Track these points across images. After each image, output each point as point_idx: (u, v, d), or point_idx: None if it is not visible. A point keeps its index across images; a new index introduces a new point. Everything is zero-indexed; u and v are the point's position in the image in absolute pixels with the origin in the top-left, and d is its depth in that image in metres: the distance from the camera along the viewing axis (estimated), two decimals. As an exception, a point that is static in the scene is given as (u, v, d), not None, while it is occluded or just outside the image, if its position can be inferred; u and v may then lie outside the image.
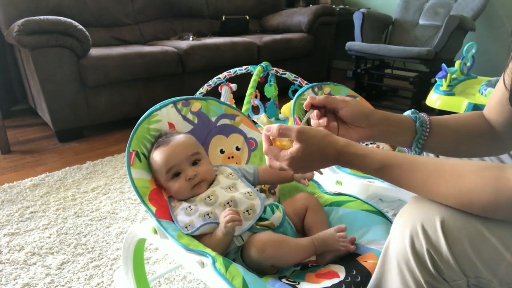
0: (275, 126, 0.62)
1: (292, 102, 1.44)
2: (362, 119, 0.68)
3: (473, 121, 0.75)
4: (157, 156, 0.87)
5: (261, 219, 0.82)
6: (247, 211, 0.81)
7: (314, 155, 0.61)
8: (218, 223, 0.79)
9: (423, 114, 0.73)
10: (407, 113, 0.74)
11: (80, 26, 2.14)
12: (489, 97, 0.75)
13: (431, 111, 2.05)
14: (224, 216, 0.76)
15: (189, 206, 0.83)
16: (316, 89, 1.50)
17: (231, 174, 0.90)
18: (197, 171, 0.86)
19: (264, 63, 1.85)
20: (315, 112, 0.69)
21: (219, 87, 1.94)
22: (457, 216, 0.52)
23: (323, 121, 0.69)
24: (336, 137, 0.62)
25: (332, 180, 1.18)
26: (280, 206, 0.85)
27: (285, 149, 0.63)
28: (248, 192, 0.85)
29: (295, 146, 0.61)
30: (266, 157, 0.65)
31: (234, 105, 1.19)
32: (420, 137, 0.70)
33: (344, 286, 0.66)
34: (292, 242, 0.77)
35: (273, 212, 0.83)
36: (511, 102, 0.62)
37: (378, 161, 0.58)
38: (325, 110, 0.71)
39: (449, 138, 0.72)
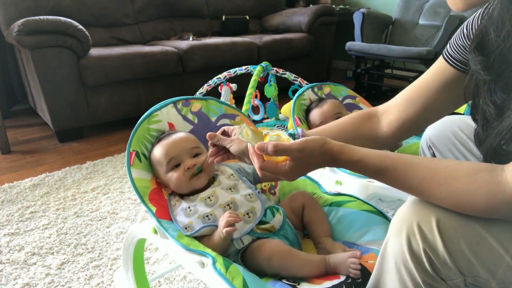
0: (269, 146, 0.60)
1: (292, 102, 1.45)
2: (243, 155, 0.74)
3: (356, 126, 0.80)
4: (158, 149, 0.88)
5: (261, 222, 0.81)
6: (248, 213, 0.81)
7: (312, 166, 0.63)
8: (217, 226, 0.78)
9: (300, 132, 0.79)
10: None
11: (80, 26, 2.14)
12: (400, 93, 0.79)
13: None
14: (222, 220, 0.75)
15: (189, 207, 0.83)
16: (316, 89, 1.50)
17: (232, 175, 0.90)
18: (196, 161, 0.87)
19: (264, 63, 1.85)
20: (211, 149, 0.78)
21: (219, 87, 1.95)
22: (453, 216, 0.52)
23: (216, 159, 0.78)
24: (331, 144, 0.62)
25: (332, 180, 1.18)
26: (281, 209, 0.85)
27: (279, 162, 0.63)
28: (249, 194, 0.84)
29: (294, 162, 0.61)
30: (258, 171, 0.65)
31: (234, 105, 1.19)
32: None
33: (344, 286, 0.66)
34: (301, 256, 0.75)
35: (273, 215, 0.83)
36: (473, 118, 0.63)
37: (373, 165, 0.59)
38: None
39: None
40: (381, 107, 0.82)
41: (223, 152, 0.79)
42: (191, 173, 0.86)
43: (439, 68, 0.71)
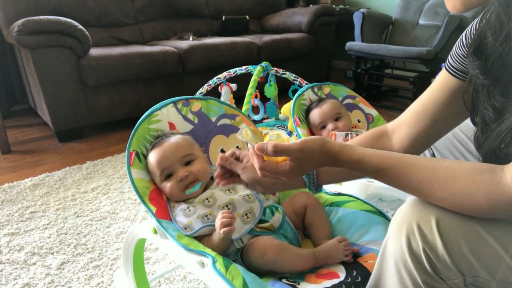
0: (269, 147, 0.60)
1: (292, 102, 1.45)
2: (256, 183, 0.73)
3: (367, 145, 0.77)
4: (151, 158, 0.88)
5: (261, 221, 0.82)
6: (246, 214, 0.81)
7: (312, 166, 0.63)
8: None
9: None
10: None
11: (80, 26, 2.14)
12: (407, 109, 0.78)
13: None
14: (218, 219, 0.75)
15: (188, 207, 0.83)
16: (316, 89, 1.50)
17: None
18: (189, 171, 0.86)
19: (264, 63, 1.85)
20: (218, 170, 0.76)
21: (219, 87, 1.94)
22: (452, 216, 0.52)
23: (223, 182, 0.77)
24: (331, 144, 0.61)
25: (332, 180, 1.18)
26: (280, 207, 0.85)
27: (279, 163, 0.63)
28: (248, 195, 0.85)
29: (294, 162, 0.61)
30: (258, 172, 0.65)
31: (234, 105, 1.19)
32: (310, 184, 0.72)
33: (344, 286, 0.66)
34: (293, 250, 0.77)
35: (272, 214, 0.83)
36: (473, 121, 0.63)
37: (373, 165, 0.58)
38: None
39: (340, 171, 0.71)
40: (390, 125, 0.81)
41: (229, 175, 0.77)
42: (184, 185, 0.85)
43: (443, 80, 0.71)
